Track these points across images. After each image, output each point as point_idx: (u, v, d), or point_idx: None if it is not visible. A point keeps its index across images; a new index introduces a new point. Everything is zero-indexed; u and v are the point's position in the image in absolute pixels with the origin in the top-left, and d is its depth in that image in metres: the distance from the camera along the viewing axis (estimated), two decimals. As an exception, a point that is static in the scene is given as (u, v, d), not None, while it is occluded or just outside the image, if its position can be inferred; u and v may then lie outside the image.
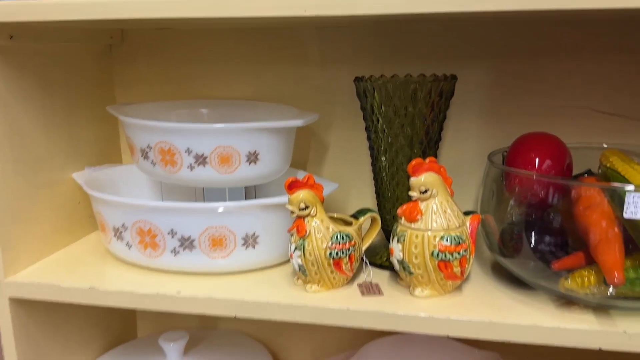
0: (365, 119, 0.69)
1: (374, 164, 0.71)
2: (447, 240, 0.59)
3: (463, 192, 0.77)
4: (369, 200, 0.84)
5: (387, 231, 0.71)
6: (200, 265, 0.67)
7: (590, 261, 0.56)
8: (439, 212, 0.59)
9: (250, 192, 0.82)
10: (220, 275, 0.67)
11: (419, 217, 0.60)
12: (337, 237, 0.61)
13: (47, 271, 0.70)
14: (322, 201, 0.62)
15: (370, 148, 0.70)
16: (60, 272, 0.69)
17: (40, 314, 0.73)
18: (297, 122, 0.69)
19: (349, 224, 0.65)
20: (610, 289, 0.55)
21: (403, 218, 0.61)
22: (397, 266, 0.62)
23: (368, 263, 0.68)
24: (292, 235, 0.62)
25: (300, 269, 0.62)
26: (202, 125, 0.67)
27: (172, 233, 0.65)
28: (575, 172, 0.68)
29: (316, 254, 0.60)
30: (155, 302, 0.63)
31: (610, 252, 0.54)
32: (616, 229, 0.55)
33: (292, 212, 0.61)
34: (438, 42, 0.78)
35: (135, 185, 0.82)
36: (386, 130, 0.67)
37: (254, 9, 0.54)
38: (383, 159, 0.68)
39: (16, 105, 0.68)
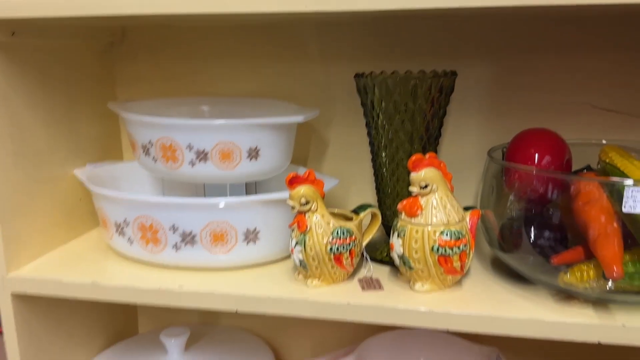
0: (365, 115, 0.70)
1: (374, 160, 0.71)
2: (447, 235, 0.59)
3: (463, 188, 0.77)
4: (369, 196, 0.84)
5: (388, 227, 0.72)
6: (202, 261, 0.67)
7: (590, 256, 0.56)
8: (439, 207, 0.60)
9: (250, 188, 0.82)
10: (222, 271, 0.67)
11: (419, 212, 0.60)
12: (337, 232, 0.61)
13: (49, 267, 0.70)
14: (323, 197, 0.63)
15: (371, 144, 0.71)
16: (62, 268, 0.70)
17: (42, 310, 0.73)
18: (298, 118, 0.69)
19: (349, 219, 0.65)
20: (609, 283, 0.56)
21: (403, 213, 0.61)
22: (397, 261, 0.62)
23: (368, 258, 0.68)
24: (293, 230, 0.63)
25: (301, 263, 0.62)
26: (203, 121, 0.67)
27: (174, 228, 0.65)
28: (574, 168, 0.68)
29: (317, 249, 0.61)
30: (157, 297, 0.64)
31: (609, 246, 0.54)
32: (615, 224, 0.55)
33: (293, 208, 0.61)
34: (438, 38, 0.79)
35: (136, 182, 0.83)
36: (386, 126, 0.67)
37: (254, 5, 0.54)
38: (383, 154, 0.69)
39: (17, 101, 0.68)
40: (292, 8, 0.54)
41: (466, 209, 0.63)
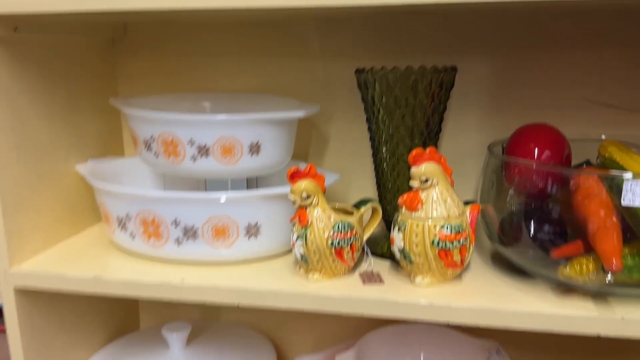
0: (366, 110, 0.70)
1: (374, 155, 0.71)
2: (447, 229, 0.59)
3: (463, 182, 0.77)
4: (369, 191, 0.85)
5: (388, 222, 0.72)
6: (204, 255, 0.67)
7: (589, 249, 0.57)
8: (439, 202, 0.60)
9: (252, 185, 0.83)
10: (223, 265, 0.68)
11: (419, 206, 0.60)
12: (338, 226, 0.62)
13: (51, 261, 0.71)
14: (324, 191, 0.63)
15: (371, 139, 0.71)
16: (64, 262, 0.70)
17: (45, 305, 0.73)
18: (299, 113, 0.69)
19: (350, 214, 0.65)
20: (609, 276, 0.56)
21: (404, 207, 0.61)
22: (397, 255, 0.62)
23: (369, 252, 0.69)
24: (294, 224, 0.63)
25: (302, 257, 0.63)
26: (204, 116, 0.68)
27: (176, 223, 0.66)
28: (574, 163, 0.69)
29: (318, 243, 0.61)
30: (159, 291, 0.64)
31: (609, 239, 0.54)
32: (614, 218, 0.55)
33: (294, 202, 0.62)
34: (438, 35, 0.79)
35: (138, 178, 0.83)
36: (387, 121, 0.67)
37: (255, 0, 0.55)
38: (384, 149, 0.69)
39: (20, 96, 0.68)
40: (293, 3, 0.54)
41: (466, 203, 0.64)
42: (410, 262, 0.61)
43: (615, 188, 0.55)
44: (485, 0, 0.51)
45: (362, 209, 0.66)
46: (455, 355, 0.79)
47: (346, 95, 0.83)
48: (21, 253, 0.69)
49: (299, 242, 0.62)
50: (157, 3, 0.57)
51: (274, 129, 0.70)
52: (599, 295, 0.58)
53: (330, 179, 0.70)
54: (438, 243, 0.59)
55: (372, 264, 0.68)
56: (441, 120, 0.69)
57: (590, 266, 0.56)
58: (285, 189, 0.64)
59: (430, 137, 0.68)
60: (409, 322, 0.81)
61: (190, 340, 0.84)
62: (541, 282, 0.62)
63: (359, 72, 0.68)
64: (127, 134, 0.91)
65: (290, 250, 0.69)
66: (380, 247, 0.72)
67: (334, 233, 0.61)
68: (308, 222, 0.61)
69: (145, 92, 0.89)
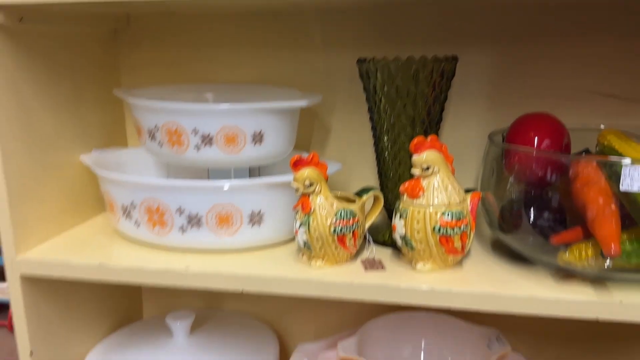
0: (367, 99, 0.71)
1: (376, 144, 0.72)
2: (448, 215, 0.60)
3: (463, 171, 0.78)
4: (371, 181, 0.85)
5: (389, 210, 0.73)
6: (208, 243, 0.68)
7: (588, 235, 0.58)
8: (440, 189, 0.61)
9: (254, 174, 0.83)
10: (227, 253, 0.69)
11: (421, 193, 0.61)
12: (341, 213, 0.63)
13: (57, 249, 0.71)
14: (326, 179, 0.64)
15: (373, 128, 0.72)
16: (70, 250, 0.71)
17: (50, 293, 0.74)
18: (301, 103, 0.70)
19: (352, 201, 0.66)
20: (607, 261, 0.57)
21: (405, 195, 0.62)
22: (399, 242, 0.63)
23: (371, 240, 0.70)
24: (297, 212, 0.64)
25: (305, 245, 0.63)
26: (208, 105, 0.68)
27: (180, 211, 0.66)
28: (573, 153, 0.69)
29: (320, 230, 0.62)
30: (164, 278, 0.65)
31: (607, 225, 0.55)
32: (613, 204, 0.56)
33: (297, 190, 0.62)
34: (438, 26, 0.80)
35: (142, 168, 0.84)
36: (388, 110, 0.68)
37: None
38: (385, 138, 0.70)
39: (25, 86, 0.69)
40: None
41: (467, 191, 0.64)
42: (412, 248, 0.62)
43: (614, 175, 0.56)
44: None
45: (364, 197, 0.67)
46: (455, 342, 0.80)
47: (347, 85, 0.84)
48: (27, 242, 0.70)
49: (302, 229, 0.63)
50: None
51: (277, 119, 0.70)
52: (598, 280, 0.59)
53: (332, 168, 0.70)
54: (439, 229, 0.60)
55: (374, 251, 0.69)
56: (442, 109, 0.70)
57: (590, 252, 0.57)
58: (288, 177, 0.65)
59: (431, 126, 0.69)
60: (410, 309, 0.83)
61: (193, 329, 0.85)
62: (541, 269, 0.63)
63: (360, 61, 0.69)
64: (130, 125, 0.92)
65: (293, 239, 0.70)
66: (381, 235, 0.72)
67: (336, 220, 0.62)
68: (311, 209, 0.62)
69: (148, 83, 0.89)
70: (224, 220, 0.67)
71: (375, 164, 0.74)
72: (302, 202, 0.63)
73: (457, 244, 0.61)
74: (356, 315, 0.91)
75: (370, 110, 0.71)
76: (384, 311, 0.83)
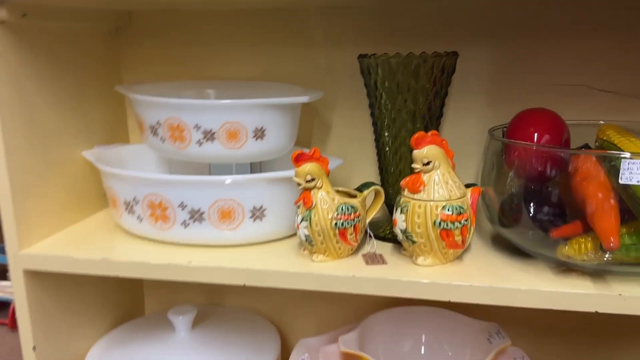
0: (368, 95, 0.71)
1: (377, 140, 0.73)
2: (448, 209, 0.61)
3: (464, 166, 0.78)
4: (371, 176, 0.86)
5: (390, 205, 0.73)
6: (210, 238, 0.69)
7: (588, 229, 0.58)
8: (441, 183, 0.61)
9: (255, 170, 0.84)
10: (229, 247, 0.69)
11: (421, 188, 0.62)
12: (342, 208, 0.63)
13: (60, 244, 0.72)
14: (328, 174, 0.64)
15: (374, 124, 0.72)
16: (73, 245, 0.71)
17: (53, 288, 0.75)
18: (303, 98, 0.70)
19: (353, 196, 0.67)
20: (607, 255, 0.57)
21: (406, 189, 0.62)
22: (400, 236, 0.64)
23: (372, 235, 0.70)
24: (298, 206, 0.64)
25: (306, 239, 0.64)
26: (210, 101, 0.69)
27: (183, 206, 0.67)
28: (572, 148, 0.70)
29: (322, 225, 0.62)
30: (167, 272, 0.65)
31: (607, 218, 0.56)
32: (612, 199, 0.57)
33: (299, 184, 0.63)
34: (439, 22, 0.80)
35: (143, 164, 0.84)
36: (389, 105, 0.69)
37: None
38: (386, 134, 0.70)
39: (28, 82, 0.70)
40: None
41: (467, 186, 0.65)
42: (413, 242, 0.62)
43: (613, 169, 0.56)
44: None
45: (365, 192, 0.68)
46: (456, 337, 0.80)
47: (348, 82, 0.84)
48: (30, 237, 0.71)
49: (304, 224, 0.63)
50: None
51: (278, 114, 0.71)
52: (597, 273, 0.60)
53: (333, 163, 0.71)
54: (440, 224, 0.60)
55: (375, 246, 0.69)
56: (443, 105, 0.70)
57: (589, 245, 0.58)
58: (290, 172, 0.66)
59: (431, 121, 0.69)
60: (411, 304, 0.83)
61: (195, 324, 0.85)
62: (541, 262, 0.63)
63: (362, 57, 0.69)
64: (132, 121, 0.93)
65: (294, 234, 0.70)
66: (382, 230, 0.73)
67: (337, 214, 0.63)
68: (312, 204, 0.63)
69: (149, 80, 0.90)
70: (226, 215, 0.67)
71: (376, 160, 0.75)
72: (304, 197, 0.63)
73: (458, 237, 0.61)
74: (357, 311, 0.91)
75: (371, 106, 0.72)
76: (384, 306, 0.84)
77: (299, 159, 0.63)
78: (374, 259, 0.65)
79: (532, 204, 0.63)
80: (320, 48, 0.84)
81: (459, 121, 0.82)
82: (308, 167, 0.62)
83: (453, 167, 0.63)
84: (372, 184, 0.69)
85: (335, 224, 0.63)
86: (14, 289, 0.71)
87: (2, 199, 0.67)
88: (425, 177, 0.62)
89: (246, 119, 0.69)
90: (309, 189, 0.63)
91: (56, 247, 0.71)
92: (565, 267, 0.61)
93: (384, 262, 0.65)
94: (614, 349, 0.87)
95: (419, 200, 0.61)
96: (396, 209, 0.64)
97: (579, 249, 0.58)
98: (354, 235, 0.64)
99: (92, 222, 0.81)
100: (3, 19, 0.64)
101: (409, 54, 0.66)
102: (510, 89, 0.80)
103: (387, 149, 0.71)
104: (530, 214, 0.63)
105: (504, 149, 0.66)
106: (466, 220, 0.62)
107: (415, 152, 0.62)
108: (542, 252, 0.62)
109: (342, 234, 0.63)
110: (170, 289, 1.00)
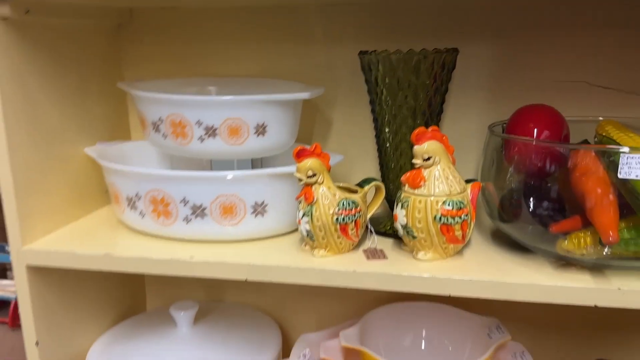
0: (369, 91, 0.71)
1: (377, 136, 0.73)
2: (449, 204, 0.61)
3: (464, 162, 0.79)
4: (372, 173, 0.86)
5: (391, 201, 0.74)
6: (212, 233, 0.69)
7: (587, 224, 0.58)
8: (441, 179, 0.62)
9: (256, 166, 0.84)
10: (231, 243, 0.70)
11: (422, 183, 0.62)
12: (343, 203, 0.64)
13: (62, 240, 0.72)
14: (329, 170, 0.65)
15: (375, 120, 0.73)
16: (75, 241, 0.72)
17: (56, 283, 0.75)
18: (304, 95, 0.71)
19: (354, 192, 0.67)
20: (606, 249, 0.58)
21: (407, 185, 0.63)
22: (400, 231, 0.64)
23: (373, 230, 0.71)
24: (300, 202, 0.65)
25: (308, 234, 0.64)
26: (212, 97, 0.69)
27: (185, 201, 0.67)
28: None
29: (323, 220, 0.63)
30: (169, 267, 0.66)
31: (606, 213, 0.56)
32: (611, 193, 0.57)
33: (300, 180, 0.63)
34: (439, 18, 0.81)
35: (145, 160, 0.84)
36: (390, 102, 0.69)
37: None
38: (387, 130, 0.71)
39: (31, 79, 0.70)
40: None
41: (467, 181, 0.65)
42: (413, 237, 0.63)
43: (612, 164, 0.56)
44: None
45: (366, 187, 0.68)
46: (456, 332, 0.81)
47: (349, 79, 0.84)
48: (33, 233, 0.71)
49: (305, 219, 0.64)
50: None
51: (280, 111, 0.71)
52: (596, 267, 0.60)
53: (334, 159, 0.71)
54: (440, 218, 0.61)
55: (376, 241, 0.70)
56: (443, 101, 0.71)
57: (588, 240, 0.58)
58: (291, 168, 0.66)
59: (432, 117, 0.70)
60: (411, 299, 0.84)
61: (196, 320, 0.85)
62: (540, 257, 0.64)
63: (362, 53, 0.70)
64: (134, 118, 0.93)
65: (296, 229, 0.71)
66: (383, 225, 0.73)
67: (339, 210, 0.63)
68: (314, 199, 0.63)
69: (151, 77, 0.90)
70: (228, 211, 0.68)
71: (376, 156, 0.75)
72: (305, 192, 0.63)
73: (458, 232, 0.62)
74: (358, 306, 0.92)
75: (371, 102, 0.72)
76: (385, 302, 0.84)
77: (300, 155, 0.63)
78: (374, 254, 0.66)
79: (531, 199, 0.63)
80: (320, 45, 0.85)
81: (459, 117, 0.83)
82: (309, 162, 0.63)
83: (453, 163, 0.64)
84: (373, 179, 0.69)
85: (337, 219, 0.63)
86: (17, 285, 0.71)
87: (5, 195, 0.68)
88: (425, 172, 0.62)
89: (248, 115, 0.69)
90: (310, 185, 0.63)
91: (59, 243, 0.71)
92: (565, 262, 0.62)
93: (384, 257, 0.65)
94: (613, 343, 0.88)
95: (420, 195, 0.62)
96: (397, 204, 0.64)
97: (578, 244, 0.58)
98: (355, 230, 0.65)
99: (94, 218, 0.81)
100: (6, 16, 0.64)
101: (409, 51, 0.67)
102: (510, 86, 0.81)
103: (387, 144, 0.71)
104: (530, 209, 0.63)
105: (504, 145, 0.66)
106: (466, 216, 0.62)
107: (416, 148, 0.62)
108: (542, 247, 0.63)
109: (344, 229, 0.64)
110: (171, 285, 1.00)
